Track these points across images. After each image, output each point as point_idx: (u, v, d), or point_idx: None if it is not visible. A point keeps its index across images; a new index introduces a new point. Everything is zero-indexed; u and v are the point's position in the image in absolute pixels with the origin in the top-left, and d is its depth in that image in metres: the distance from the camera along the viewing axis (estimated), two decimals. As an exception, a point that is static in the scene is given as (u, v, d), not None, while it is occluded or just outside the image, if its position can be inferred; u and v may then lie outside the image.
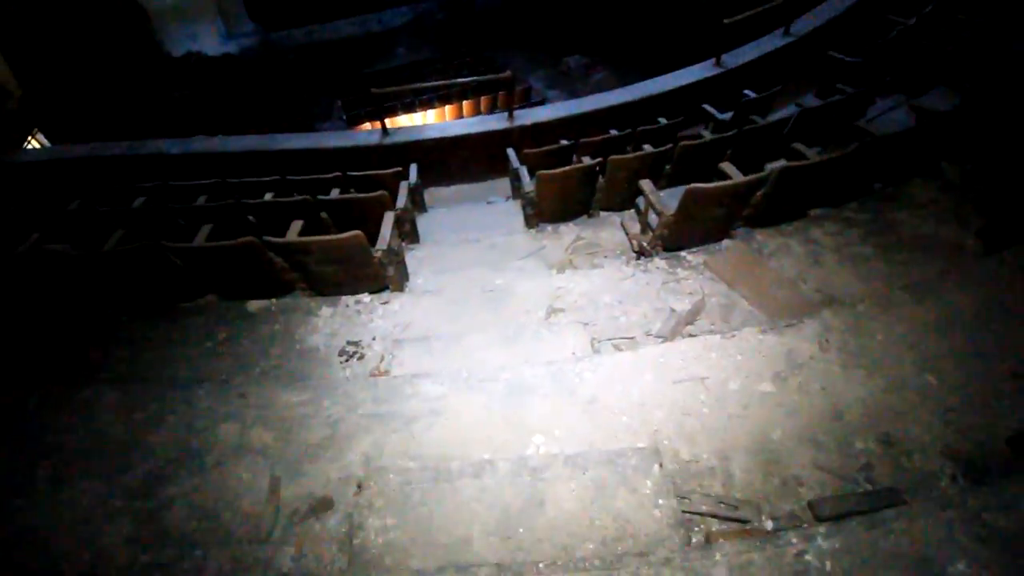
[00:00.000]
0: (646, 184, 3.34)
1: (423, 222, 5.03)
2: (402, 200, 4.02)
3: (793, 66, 6.77)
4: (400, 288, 3.43)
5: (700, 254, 3.44)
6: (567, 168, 3.76)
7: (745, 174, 3.40)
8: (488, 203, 5.79)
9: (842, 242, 3.45)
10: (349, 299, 3.35)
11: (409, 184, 4.53)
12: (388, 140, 5.71)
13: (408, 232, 4.20)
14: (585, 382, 2.38)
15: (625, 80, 13.08)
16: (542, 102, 11.96)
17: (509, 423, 2.20)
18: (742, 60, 6.41)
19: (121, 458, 2.18)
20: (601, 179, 4.05)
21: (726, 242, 3.49)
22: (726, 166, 3.39)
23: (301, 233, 3.56)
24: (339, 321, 3.22)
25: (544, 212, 4.21)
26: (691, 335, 2.88)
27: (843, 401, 2.24)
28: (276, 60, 14.48)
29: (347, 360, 2.98)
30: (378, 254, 3.05)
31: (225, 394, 2.44)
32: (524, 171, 4.26)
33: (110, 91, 11.63)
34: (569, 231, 4.26)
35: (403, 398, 2.36)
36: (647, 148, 4.39)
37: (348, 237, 2.84)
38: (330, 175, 4.65)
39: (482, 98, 11.90)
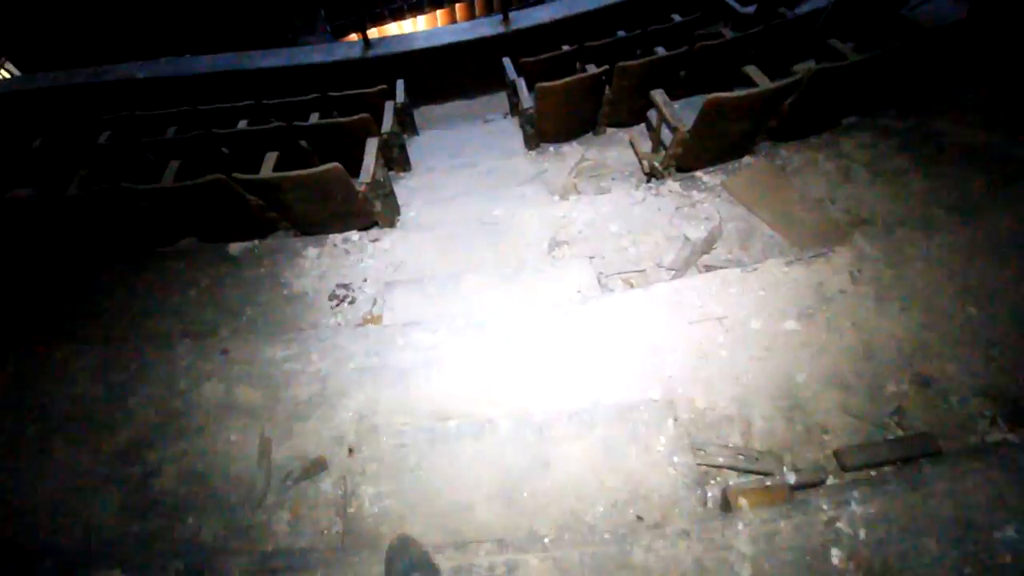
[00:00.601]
0: (658, 95, 2.95)
1: (414, 146, 4.65)
2: (388, 123, 3.64)
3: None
4: (391, 223, 3.17)
5: (717, 174, 3.12)
6: (569, 79, 3.34)
7: (772, 78, 2.99)
8: (485, 121, 5.34)
9: (876, 155, 3.10)
10: (337, 237, 3.11)
11: (395, 104, 4.11)
12: (371, 53, 5.17)
13: (397, 159, 3.86)
14: (592, 326, 2.19)
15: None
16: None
17: (510, 375, 2.04)
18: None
19: (104, 424, 2.07)
20: (608, 90, 3.62)
21: (747, 159, 3.15)
22: (751, 70, 2.97)
23: (279, 165, 3.26)
24: (327, 262, 3.00)
25: (545, 131, 3.83)
26: (708, 266, 2.65)
27: (875, 339, 2.05)
28: (250, -36, 13.08)
29: (337, 305, 2.80)
30: (362, 187, 2.76)
31: (207, 350, 2.29)
32: (522, 84, 3.82)
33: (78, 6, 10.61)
34: (573, 151, 3.90)
35: (396, 349, 2.19)
36: (660, 52, 3.89)
37: (325, 171, 2.55)
38: (308, 97, 4.22)
39: (475, 1, 10.84)
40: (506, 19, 5.22)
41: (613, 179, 3.63)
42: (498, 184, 3.70)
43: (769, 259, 2.33)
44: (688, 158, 3.00)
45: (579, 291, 2.47)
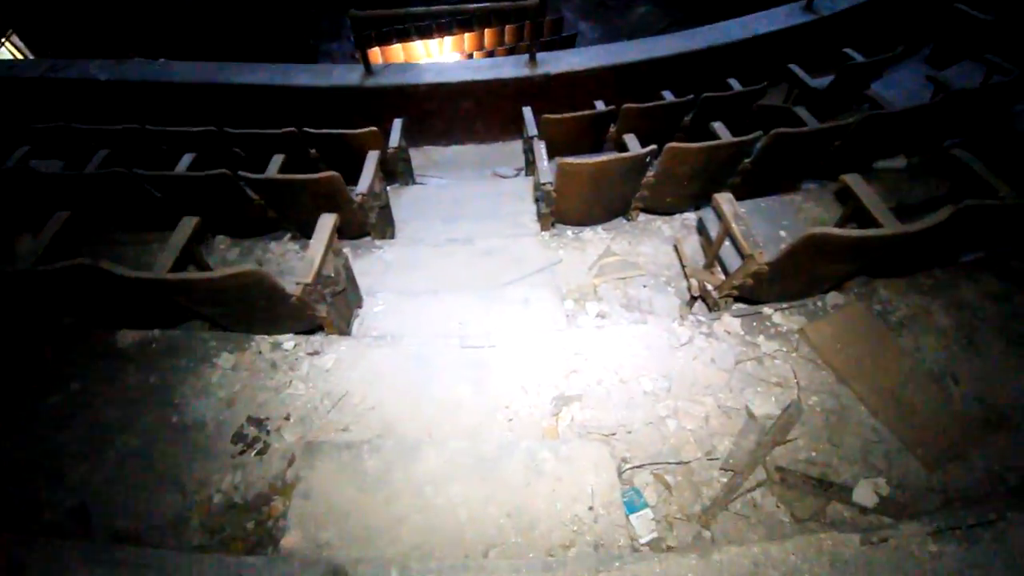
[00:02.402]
0: (725, 203, 2.14)
1: (405, 199, 3.85)
2: (366, 180, 2.84)
3: (904, 19, 5.23)
4: (342, 328, 2.33)
5: (793, 314, 2.28)
6: (601, 161, 2.54)
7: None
8: (494, 175, 4.56)
9: (1011, 312, 2.27)
10: (265, 342, 2.26)
11: (383, 152, 3.32)
12: (371, 81, 4.41)
13: (376, 223, 3.04)
14: (609, 606, 1.33)
15: (673, 18, 11.31)
16: (574, 37, 10.27)
17: None
18: (842, 5, 4.88)
19: None
20: (650, 173, 2.82)
21: (833, 297, 2.32)
22: (855, 184, 2.15)
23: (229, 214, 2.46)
24: (244, 379, 2.16)
25: (564, 212, 3.02)
26: (782, 472, 1.80)
27: None
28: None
29: (241, 452, 1.94)
30: (296, 290, 1.93)
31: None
32: (541, 149, 3.03)
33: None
34: (596, 239, 3.08)
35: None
36: (718, 128, 3.10)
37: (239, 274, 1.72)
38: (279, 131, 3.44)
39: (506, 27, 10.18)
40: (532, 61, 4.48)
41: (645, 286, 2.80)
42: (496, 274, 2.87)
43: (905, 524, 1.46)
44: (758, 290, 2.17)
45: (591, 507, 1.61)
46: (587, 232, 3.12)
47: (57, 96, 4.73)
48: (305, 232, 3.12)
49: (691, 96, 3.60)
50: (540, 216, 3.08)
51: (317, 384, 2.13)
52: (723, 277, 2.34)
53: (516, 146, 4.89)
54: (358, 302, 2.56)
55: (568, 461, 1.70)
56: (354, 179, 2.88)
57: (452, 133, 4.84)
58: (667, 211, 3.16)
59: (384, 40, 9.79)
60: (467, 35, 9.99)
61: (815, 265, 1.94)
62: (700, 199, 3.10)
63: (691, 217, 3.15)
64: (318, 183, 2.56)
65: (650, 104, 3.50)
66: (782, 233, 2.40)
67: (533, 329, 2.42)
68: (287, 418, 2.02)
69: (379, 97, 4.41)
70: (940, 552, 1.37)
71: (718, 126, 3.08)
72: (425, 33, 10.17)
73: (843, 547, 1.41)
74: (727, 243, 2.28)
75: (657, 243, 3.03)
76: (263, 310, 2.00)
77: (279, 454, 1.91)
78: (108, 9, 9.75)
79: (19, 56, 9.19)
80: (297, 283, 1.95)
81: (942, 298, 2.33)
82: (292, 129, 3.44)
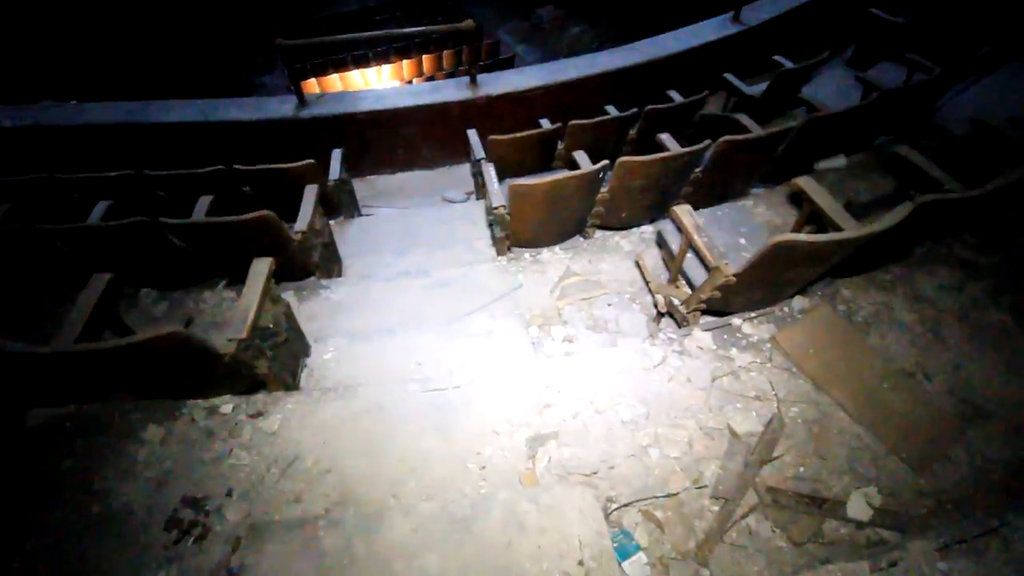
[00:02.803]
0: (685, 215, 2.07)
1: (351, 232, 3.65)
2: (304, 218, 2.63)
3: (824, 25, 5.49)
4: (287, 381, 2.10)
5: (762, 322, 2.23)
6: (554, 180, 2.44)
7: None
8: (444, 200, 4.42)
9: (967, 303, 2.30)
10: (199, 407, 2.01)
11: (323, 186, 3.13)
12: (306, 112, 4.20)
13: (319, 262, 2.83)
14: None
15: (605, 37, 11.63)
16: (512, 59, 10.36)
17: None
18: (765, 16, 5.07)
19: None
20: (604, 190, 2.75)
21: (799, 302, 2.29)
22: (809, 186, 2.13)
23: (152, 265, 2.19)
24: (175, 453, 1.90)
25: (520, 235, 2.90)
26: (775, 493, 1.70)
27: None
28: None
29: (177, 541, 1.68)
30: (230, 348, 1.71)
31: None
32: (491, 172, 2.92)
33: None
34: (555, 260, 2.97)
35: None
36: (666, 139, 3.09)
37: (156, 338, 1.49)
38: (207, 169, 3.19)
39: (444, 52, 10.17)
40: (474, 83, 4.40)
41: (610, 304, 2.70)
42: (455, 306, 2.71)
43: (911, 542, 1.38)
44: (723, 302, 2.10)
45: (580, 561, 1.45)
46: (545, 253, 3.01)
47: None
48: (242, 278, 2.87)
49: (635, 110, 3.60)
50: (495, 241, 2.95)
51: (262, 450, 1.90)
52: (688, 291, 2.27)
53: (464, 169, 4.77)
54: (305, 351, 2.34)
55: (551, 511, 1.54)
56: (293, 216, 2.68)
57: (396, 160, 4.68)
58: (624, 226, 3.10)
59: (320, 71, 9.58)
60: (405, 62, 9.91)
61: (781, 272, 1.89)
62: (655, 211, 3.06)
63: (648, 231, 3.10)
64: (250, 224, 2.34)
65: (595, 120, 3.46)
66: (742, 240, 2.37)
67: (499, 363, 2.27)
68: (229, 494, 1.77)
69: (316, 128, 4.21)
70: (951, 569, 1.29)
71: (665, 138, 3.07)
72: (362, 62, 10.03)
73: (852, 576, 1.31)
74: (690, 255, 2.21)
75: (617, 259, 2.95)
76: (194, 374, 1.77)
77: (221, 538, 1.67)
78: (28, 50, 9.13)
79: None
80: (230, 339, 1.73)
81: (901, 293, 2.34)
82: (220, 167, 3.19)
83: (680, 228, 2.10)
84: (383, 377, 2.22)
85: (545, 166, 3.71)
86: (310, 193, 2.80)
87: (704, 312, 2.28)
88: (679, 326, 2.32)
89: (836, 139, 3.17)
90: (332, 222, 3.72)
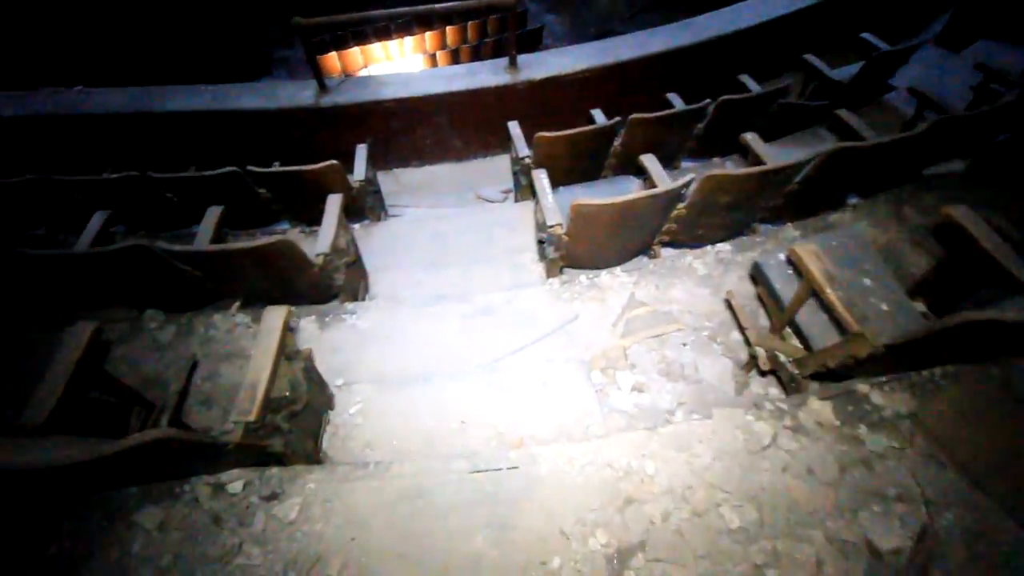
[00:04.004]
0: (812, 259, 1.61)
1: (376, 238, 3.26)
2: (326, 237, 2.23)
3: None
4: (308, 452, 1.73)
5: (898, 389, 1.78)
6: (631, 199, 1.98)
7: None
8: (479, 198, 3.98)
9: None
10: (202, 485, 1.66)
11: (347, 191, 2.72)
12: (326, 100, 3.77)
13: (344, 285, 2.44)
14: None
15: (640, 3, 10.81)
16: (540, 30, 9.71)
17: None
18: (849, -16, 4.42)
19: None
20: (681, 206, 2.28)
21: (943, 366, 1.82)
22: (968, 220, 1.65)
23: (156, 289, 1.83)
24: (175, 543, 1.55)
25: (577, 256, 2.47)
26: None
27: None
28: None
29: (173, 675, 1.35)
30: (234, 436, 1.33)
31: None
32: (544, 179, 2.46)
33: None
34: (617, 284, 2.54)
35: None
36: (753, 141, 2.59)
37: (144, 444, 1.12)
38: (220, 171, 2.79)
39: (469, 23, 9.54)
40: (513, 65, 3.90)
41: (685, 344, 2.27)
42: (499, 340, 2.31)
43: None
44: (855, 368, 1.65)
45: None
46: (604, 276, 2.58)
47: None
48: (257, 300, 2.51)
49: (707, 101, 3.08)
50: (546, 260, 2.52)
51: (278, 545, 1.54)
52: (799, 344, 1.82)
53: (499, 162, 4.32)
54: (328, 402, 1.97)
55: None
56: (314, 220, 2.32)
57: (424, 151, 4.23)
58: (697, 243, 2.64)
59: (341, 44, 9.08)
60: (428, 34, 9.33)
61: (946, 348, 1.43)
62: (735, 228, 2.59)
63: (725, 249, 2.63)
64: (263, 252, 1.96)
65: (659, 114, 2.96)
66: (867, 282, 1.90)
67: (559, 425, 1.87)
68: (235, 612, 1.43)
69: (337, 118, 3.78)
70: None
71: (752, 139, 2.57)
72: (383, 34, 9.48)
73: None
74: (813, 309, 1.76)
75: (691, 285, 2.50)
76: (196, 463, 1.40)
77: (226, 676, 1.33)
78: (38, 32, 8.78)
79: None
80: (235, 421, 1.35)
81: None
82: (233, 168, 2.80)
83: (801, 272, 1.65)
84: (420, 442, 1.84)
85: (598, 167, 3.24)
86: (333, 205, 2.40)
87: (816, 376, 1.83)
88: (785, 390, 1.89)
89: (958, 141, 2.63)
90: (356, 226, 3.34)
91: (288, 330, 1.58)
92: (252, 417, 1.35)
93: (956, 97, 3.23)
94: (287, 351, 1.59)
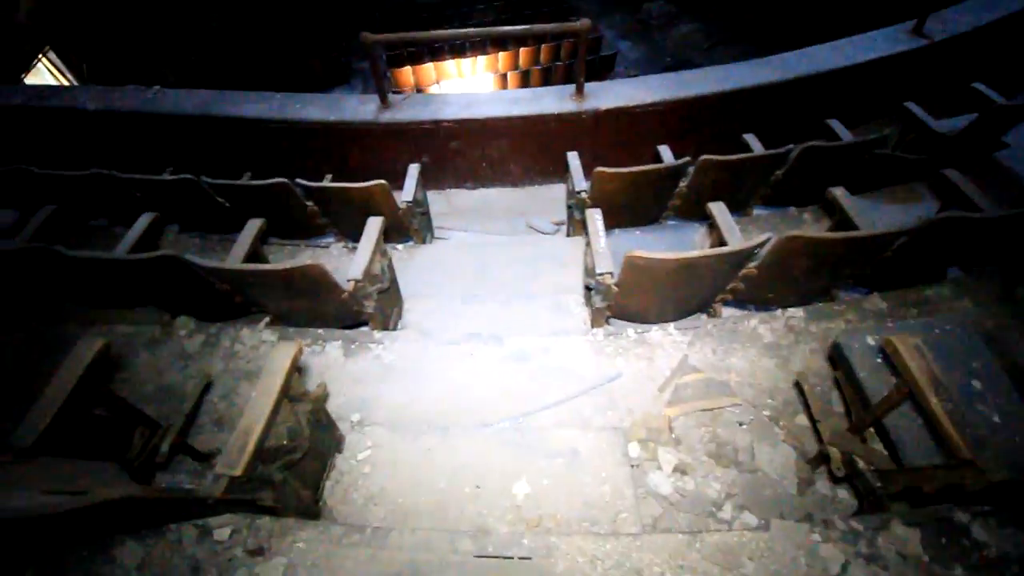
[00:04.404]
0: (915, 360, 1.31)
1: (420, 262, 3.14)
2: (360, 263, 2.11)
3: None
4: (305, 502, 1.58)
5: (1007, 524, 1.43)
6: (692, 256, 1.75)
7: None
8: (529, 228, 3.81)
9: None
10: (188, 529, 1.53)
11: (393, 212, 2.62)
12: (386, 116, 3.73)
13: (374, 313, 2.31)
14: None
15: (719, 37, 10.46)
16: (613, 57, 9.57)
17: None
18: (959, 28, 4.00)
19: None
20: (752, 264, 2.01)
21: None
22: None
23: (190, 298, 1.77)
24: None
25: (626, 308, 2.23)
26: None
27: None
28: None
29: None
30: (216, 491, 1.19)
31: None
32: (598, 220, 2.26)
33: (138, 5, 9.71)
34: (669, 343, 2.28)
35: None
36: (842, 197, 2.29)
37: (117, 501, 0.99)
38: (270, 181, 2.76)
39: (543, 46, 9.54)
40: (580, 92, 3.74)
41: (742, 424, 1.98)
42: (531, 392, 2.10)
43: None
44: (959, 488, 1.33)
45: None
46: (654, 332, 2.32)
47: (40, 126, 4.22)
48: (285, 319, 2.43)
49: (789, 146, 2.79)
50: (593, 311, 2.30)
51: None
52: (883, 451, 1.51)
53: (555, 191, 4.14)
54: (337, 444, 1.82)
55: None
56: (357, 235, 2.24)
57: (480, 174, 4.12)
58: (765, 306, 2.34)
59: (416, 59, 9.31)
60: (501, 54, 9.39)
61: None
62: (813, 295, 2.28)
63: (798, 315, 2.31)
64: (295, 275, 1.86)
65: (734, 157, 2.69)
66: (976, 384, 1.56)
67: (586, 507, 1.64)
68: None
69: (395, 134, 3.73)
70: None
71: (840, 194, 2.27)
72: (457, 52, 9.63)
73: None
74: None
75: (754, 354, 2.21)
76: (179, 517, 1.27)
77: None
78: (149, 30, 9.46)
79: (56, 74, 8.92)
80: (219, 475, 1.21)
81: None
82: (282, 180, 2.77)
83: (897, 368, 1.35)
84: (429, 503, 1.66)
85: (661, 208, 2.99)
86: (372, 229, 2.29)
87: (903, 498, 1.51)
88: (862, 503, 1.57)
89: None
90: (400, 247, 3.25)
91: (296, 370, 1.45)
92: (238, 472, 1.21)
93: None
94: (292, 392, 1.45)
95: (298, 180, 2.79)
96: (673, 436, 1.97)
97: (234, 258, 2.29)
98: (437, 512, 1.67)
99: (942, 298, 2.32)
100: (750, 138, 3.15)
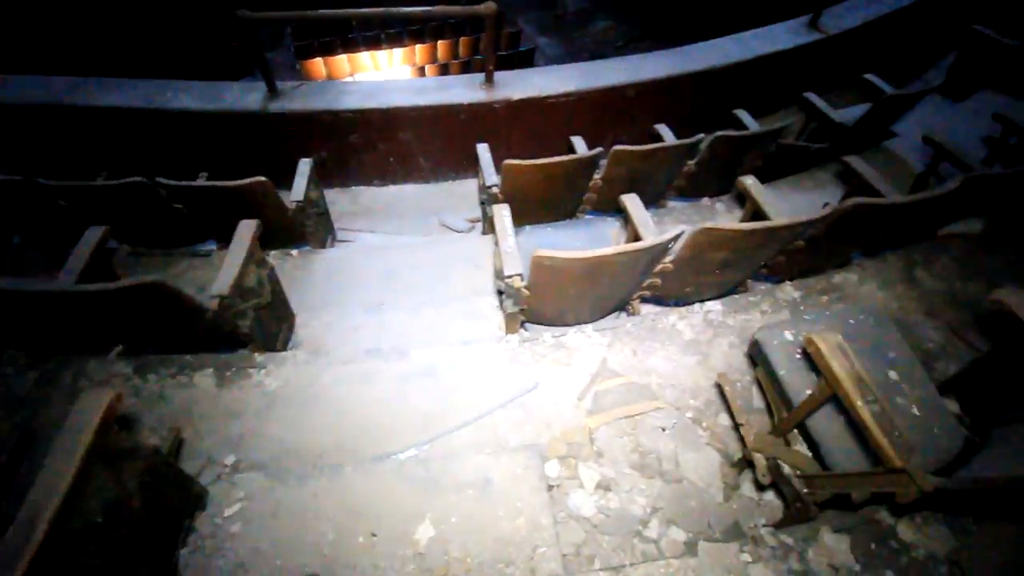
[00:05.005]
0: (836, 359, 1.21)
1: (319, 270, 2.81)
2: (224, 280, 1.75)
3: (915, 40, 4.60)
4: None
5: (932, 522, 1.38)
6: (604, 254, 1.59)
7: None
8: (441, 226, 3.56)
9: None
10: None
11: (279, 212, 2.27)
12: (275, 106, 3.33)
13: (250, 333, 1.97)
14: None
15: (633, 35, 10.67)
16: (532, 52, 9.46)
17: None
18: (851, 23, 4.18)
19: None
20: (668, 259, 1.89)
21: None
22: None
23: None
24: None
25: (541, 312, 2.05)
26: None
27: None
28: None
29: None
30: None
31: None
32: (506, 219, 2.06)
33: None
34: (587, 346, 2.12)
35: None
36: (752, 186, 2.23)
37: None
38: (125, 181, 2.33)
39: (461, 39, 9.26)
40: (490, 82, 3.52)
41: (664, 429, 1.86)
42: (438, 413, 1.87)
43: None
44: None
45: None
46: (572, 335, 2.16)
47: None
48: (142, 345, 2.03)
49: (699, 135, 2.73)
50: (507, 316, 2.09)
51: None
52: (807, 452, 1.42)
53: (470, 185, 3.91)
54: (198, 500, 1.50)
55: None
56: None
57: (387, 170, 3.81)
58: (683, 300, 2.25)
59: (328, 50, 8.71)
60: (418, 47, 9.02)
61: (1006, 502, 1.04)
62: (731, 285, 2.21)
63: (715, 309, 2.24)
64: (132, 295, 1.50)
65: (646, 147, 2.59)
66: (893, 375, 1.51)
67: (499, 553, 1.43)
68: None
69: (287, 127, 3.34)
70: None
71: (751, 184, 2.20)
72: (373, 43, 9.14)
73: None
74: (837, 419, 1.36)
75: (674, 351, 2.10)
76: None
77: None
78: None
79: None
80: None
81: None
82: (140, 180, 2.34)
83: (819, 368, 1.25)
84: (314, 563, 1.38)
85: (576, 202, 2.85)
86: (244, 234, 1.94)
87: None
88: (788, 509, 1.47)
89: (981, 199, 2.31)
90: (294, 252, 2.89)
91: (113, 422, 1.12)
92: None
93: (969, 149, 2.94)
94: (113, 448, 1.13)
95: (159, 179, 2.38)
96: (595, 449, 1.81)
97: (68, 273, 1.88)
98: (324, 573, 1.40)
99: (849, 284, 2.34)
100: (662, 128, 3.08)
